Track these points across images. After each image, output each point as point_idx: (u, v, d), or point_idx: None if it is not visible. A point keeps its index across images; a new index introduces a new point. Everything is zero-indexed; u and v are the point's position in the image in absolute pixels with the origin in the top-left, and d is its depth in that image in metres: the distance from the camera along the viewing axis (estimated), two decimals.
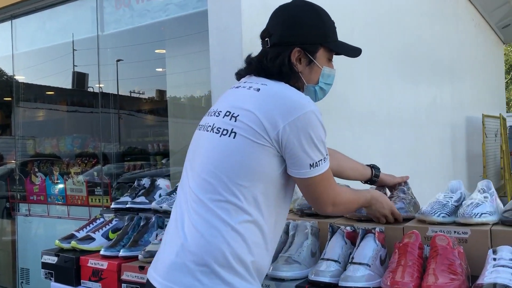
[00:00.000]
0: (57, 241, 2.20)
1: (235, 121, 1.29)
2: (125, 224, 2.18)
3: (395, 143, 5.31)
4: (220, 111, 1.35)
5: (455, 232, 1.56)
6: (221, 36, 2.85)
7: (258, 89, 1.32)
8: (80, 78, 5.01)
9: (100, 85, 4.88)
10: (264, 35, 1.44)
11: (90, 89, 4.97)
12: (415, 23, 6.10)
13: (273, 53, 1.38)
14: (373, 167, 1.92)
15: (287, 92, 1.32)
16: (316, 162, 1.29)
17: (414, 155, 5.71)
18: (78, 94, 5.21)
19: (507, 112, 13.11)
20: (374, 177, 1.91)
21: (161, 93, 5.45)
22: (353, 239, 1.62)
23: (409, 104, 5.79)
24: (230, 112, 1.32)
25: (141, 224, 2.13)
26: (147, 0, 3.54)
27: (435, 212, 1.64)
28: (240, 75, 1.48)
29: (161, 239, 2.00)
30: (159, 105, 5.48)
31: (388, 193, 1.96)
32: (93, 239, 2.15)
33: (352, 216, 1.81)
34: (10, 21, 4.54)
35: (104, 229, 2.21)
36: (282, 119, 1.24)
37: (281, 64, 1.37)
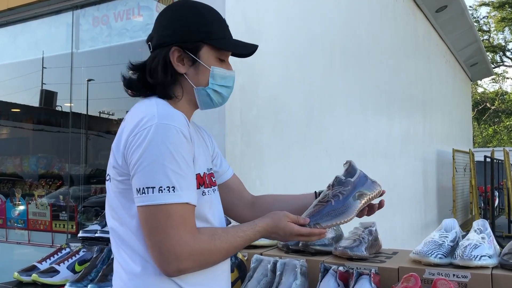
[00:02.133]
0: (16, 274, 1.99)
1: (109, 165, 1.21)
2: (94, 255, 2.00)
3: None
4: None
5: (454, 275, 1.46)
6: None
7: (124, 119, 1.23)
8: (48, 96, 4.84)
9: (71, 104, 4.70)
10: (147, 40, 1.32)
11: (58, 108, 4.78)
12: (391, 58, 6.20)
13: (153, 55, 1.26)
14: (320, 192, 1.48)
15: (135, 110, 1.20)
16: (144, 188, 1.06)
17: (387, 186, 5.63)
18: (46, 113, 5.00)
19: (473, 148, 13.46)
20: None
21: None
22: (346, 281, 1.51)
23: (383, 136, 5.83)
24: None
25: (111, 256, 1.95)
26: (127, 19, 3.42)
27: (432, 253, 1.55)
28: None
29: None
30: None
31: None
32: (57, 271, 1.95)
33: (342, 254, 1.70)
34: None
35: (70, 260, 2.02)
36: (124, 140, 1.13)
37: (158, 65, 1.23)
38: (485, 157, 8.65)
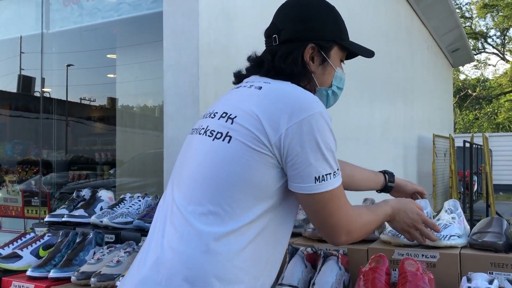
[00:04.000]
0: None
1: (232, 123, 1.11)
2: (59, 240, 1.93)
3: (349, 159, 5.30)
4: (216, 112, 1.18)
5: (423, 255, 1.44)
6: (176, 40, 2.68)
7: (260, 87, 1.15)
8: (26, 82, 4.72)
9: (47, 90, 4.59)
10: (271, 31, 1.27)
11: (37, 94, 4.67)
12: (372, 42, 6.16)
13: (284, 51, 1.21)
14: (385, 172, 1.69)
15: (293, 90, 1.13)
16: (323, 176, 1.08)
17: None
18: (23, 98, 4.89)
19: (454, 133, 13.60)
20: (388, 183, 1.67)
21: (112, 100, 5.21)
22: (313, 262, 1.48)
23: (364, 122, 5.82)
24: (226, 113, 1.14)
25: (77, 240, 1.89)
26: None
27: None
28: (239, 77, 1.30)
29: (98, 258, 1.78)
30: (109, 113, 5.23)
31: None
32: (19, 257, 1.88)
33: (312, 236, 1.66)
34: None
35: (34, 245, 1.95)
36: (286, 121, 1.06)
37: (294, 62, 1.20)
38: (464, 142, 8.73)
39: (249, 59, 1.30)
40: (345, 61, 1.36)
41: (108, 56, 4.63)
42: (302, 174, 1.07)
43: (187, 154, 1.20)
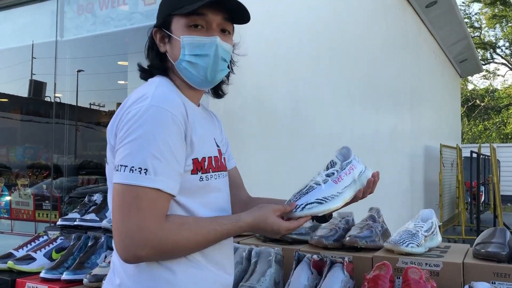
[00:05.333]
0: None
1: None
2: (71, 243, 1.99)
3: None
4: None
5: (426, 264, 1.47)
6: None
7: None
8: (37, 87, 4.79)
9: (58, 95, 4.67)
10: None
11: (47, 99, 4.74)
12: (379, 51, 6.21)
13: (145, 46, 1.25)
14: None
15: (139, 88, 1.15)
16: (120, 166, 1.02)
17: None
18: (34, 103, 4.97)
19: (462, 144, 13.56)
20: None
21: None
22: (319, 269, 1.51)
23: (370, 131, 5.85)
24: None
25: (89, 244, 1.94)
26: (112, 7, 3.39)
27: (404, 242, 1.56)
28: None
29: (110, 262, 1.83)
30: None
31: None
32: (33, 259, 1.93)
33: (318, 243, 1.71)
34: None
35: (47, 248, 2.00)
36: (120, 112, 1.08)
37: (148, 48, 1.23)
38: (472, 152, 8.72)
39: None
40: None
41: (119, 63, 4.70)
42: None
43: None
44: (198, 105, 1.25)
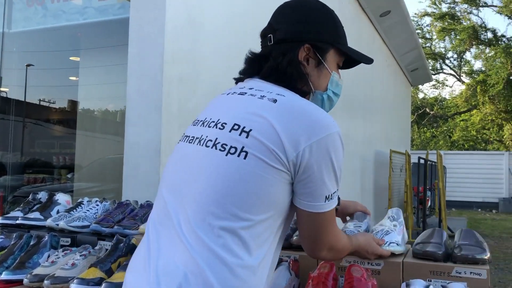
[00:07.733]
0: None
1: (247, 137, 1.06)
2: (12, 242, 1.91)
3: None
4: (225, 123, 1.11)
5: (368, 263, 1.52)
6: (142, 46, 2.71)
7: (275, 100, 1.11)
8: None
9: (4, 89, 4.48)
10: (266, 31, 1.25)
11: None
12: None
13: (278, 51, 1.19)
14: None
15: (312, 108, 1.11)
16: (331, 195, 1.10)
17: None
18: None
19: (411, 150, 14.05)
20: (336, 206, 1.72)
21: (73, 103, 5.13)
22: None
23: None
24: (239, 126, 1.08)
25: (31, 243, 1.88)
26: (64, 0, 3.29)
27: None
28: (238, 79, 1.30)
29: (53, 261, 1.78)
30: (69, 116, 5.15)
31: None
32: None
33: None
34: None
35: None
36: (305, 138, 1.04)
37: (288, 63, 1.17)
38: (419, 158, 9.06)
39: (246, 59, 1.29)
40: (344, 69, 1.35)
41: (71, 58, 4.58)
42: (314, 193, 1.09)
43: (190, 168, 1.12)
44: None
